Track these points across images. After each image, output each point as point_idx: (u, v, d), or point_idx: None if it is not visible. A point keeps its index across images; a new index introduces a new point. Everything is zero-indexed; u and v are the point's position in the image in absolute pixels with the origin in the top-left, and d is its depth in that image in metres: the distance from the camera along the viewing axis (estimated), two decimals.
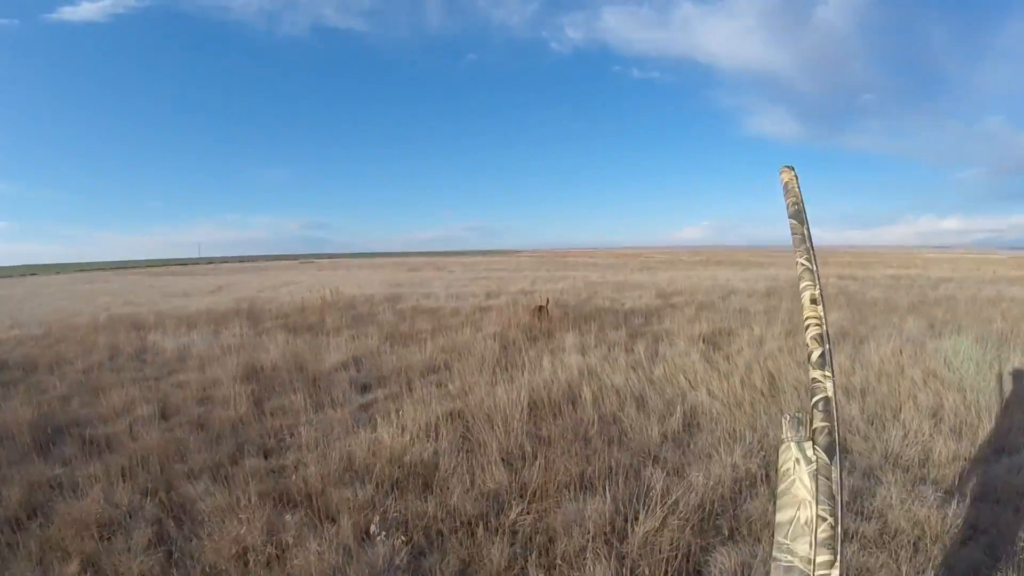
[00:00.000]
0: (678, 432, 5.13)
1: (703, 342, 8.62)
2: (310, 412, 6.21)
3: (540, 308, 11.44)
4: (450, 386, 6.63)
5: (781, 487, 1.15)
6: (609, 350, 8.23)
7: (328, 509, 3.98)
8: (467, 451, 4.80)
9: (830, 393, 1.14)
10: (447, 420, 5.48)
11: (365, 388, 7.21)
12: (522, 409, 5.39)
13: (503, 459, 4.57)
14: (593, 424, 5.26)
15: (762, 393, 6.01)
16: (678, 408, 5.53)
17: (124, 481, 4.60)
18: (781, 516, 1.12)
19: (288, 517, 3.85)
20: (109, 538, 3.81)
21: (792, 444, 1.14)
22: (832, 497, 1.06)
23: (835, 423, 1.12)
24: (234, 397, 6.63)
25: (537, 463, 4.33)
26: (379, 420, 5.48)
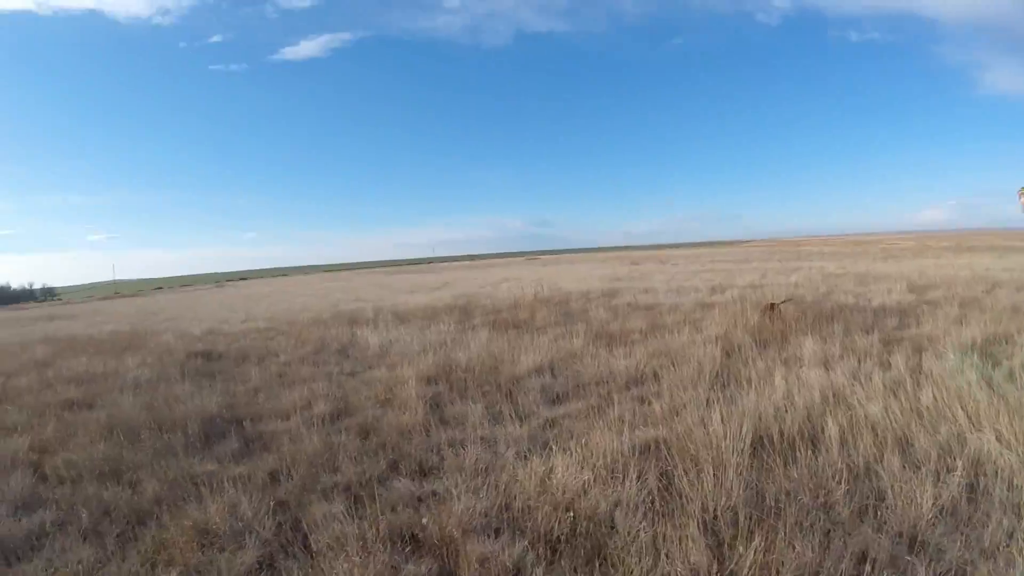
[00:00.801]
0: (956, 500, 3.68)
1: (976, 353, 6.83)
2: (486, 425, 5.67)
3: (772, 306, 10.02)
4: (655, 405, 5.66)
5: None
6: (859, 362, 6.76)
7: (459, 567, 3.31)
8: (660, 506, 3.82)
9: None
10: (643, 454, 4.53)
11: (557, 399, 6.53)
12: (743, 448, 4.27)
13: (707, 526, 3.54)
14: (840, 478, 3.92)
15: None
16: (958, 462, 4.04)
17: (264, 489, 4.45)
18: None
19: (410, 567, 3.25)
20: (217, 551, 3.60)
21: None
22: None
23: None
24: (413, 400, 6.33)
25: (754, 544, 3.19)
26: (559, 446, 4.67)
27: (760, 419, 4.97)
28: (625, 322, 10.95)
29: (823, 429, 4.72)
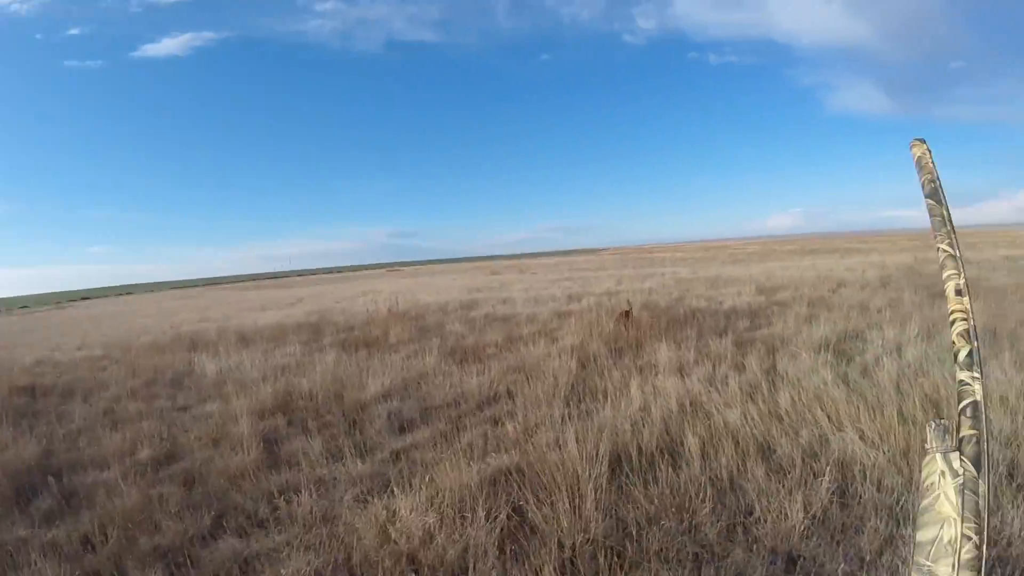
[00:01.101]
0: (827, 507, 3.41)
1: (829, 351, 6.89)
2: (326, 463, 4.96)
3: (626, 313, 9.87)
4: (509, 426, 5.14)
5: (924, 503, 0.99)
6: (714, 367, 6.60)
7: None
8: (515, 547, 3.31)
9: (979, 397, 0.98)
10: (495, 486, 4.00)
11: (405, 427, 5.86)
12: (600, 471, 3.82)
13: (565, 567, 3.06)
14: (703, 495, 3.55)
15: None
16: (825, 466, 3.78)
17: (75, 559, 3.65)
18: (922, 535, 0.96)
19: None
20: None
21: (937, 455, 0.98)
22: (978, 514, 0.93)
23: (984, 431, 0.97)
24: (247, 438, 5.49)
25: None
26: (403, 484, 4.02)
27: (617, 435, 4.57)
28: (481, 335, 10.48)
29: (683, 442, 4.37)
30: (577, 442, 4.23)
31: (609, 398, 5.64)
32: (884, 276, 16.51)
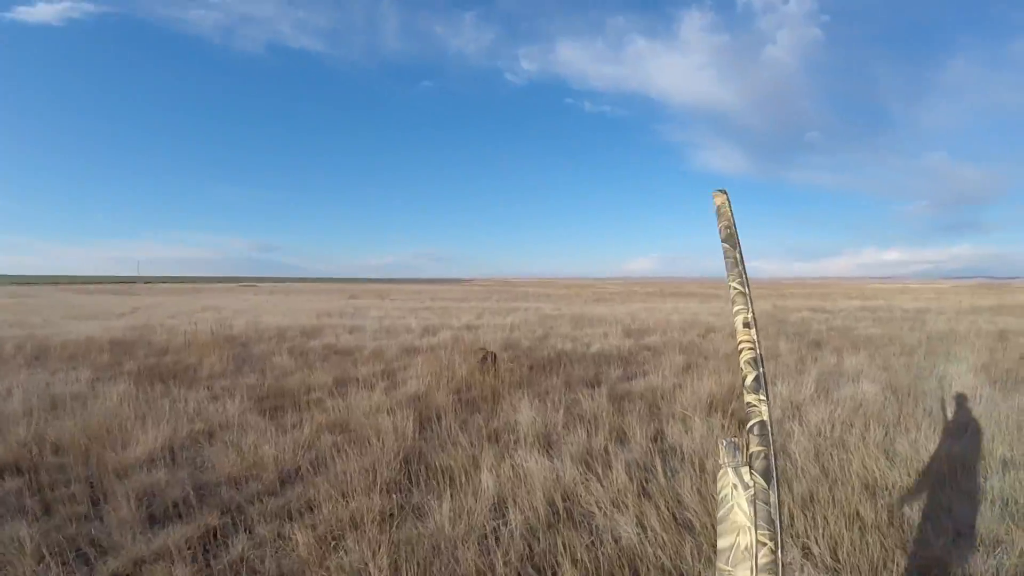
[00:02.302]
0: None
1: (720, 413, 5.76)
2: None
3: (484, 357, 8.40)
4: (299, 536, 3.40)
5: (720, 514, 1.09)
6: (588, 434, 5.18)
7: None
8: None
9: (765, 417, 1.10)
10: None
11: (162, 517, 4.01)
12: None
13: None
14: None
15: (883, 543, 3.10)
16: None
17: None
18: (722, 543, 1.07)
19: None
20: None
21: (729, 470, 1.08)
22: (771, 522, 1.03)
23: (771, 447, 1.08)
24: None
25: None
26: None
27: (457, 564, 3.01)
28: (309, 374, 8.60)
29: None
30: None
31: (451, 484, 4.07)
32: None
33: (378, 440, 4.98)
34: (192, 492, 4.35)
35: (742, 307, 1.26)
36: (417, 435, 5.33)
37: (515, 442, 5.04)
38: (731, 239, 1.34)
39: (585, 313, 21.66)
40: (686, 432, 5.14)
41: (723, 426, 5.26)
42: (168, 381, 8.18)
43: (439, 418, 5.82)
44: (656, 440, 5.08)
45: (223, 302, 33.42)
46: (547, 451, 4.76)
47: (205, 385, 8.08)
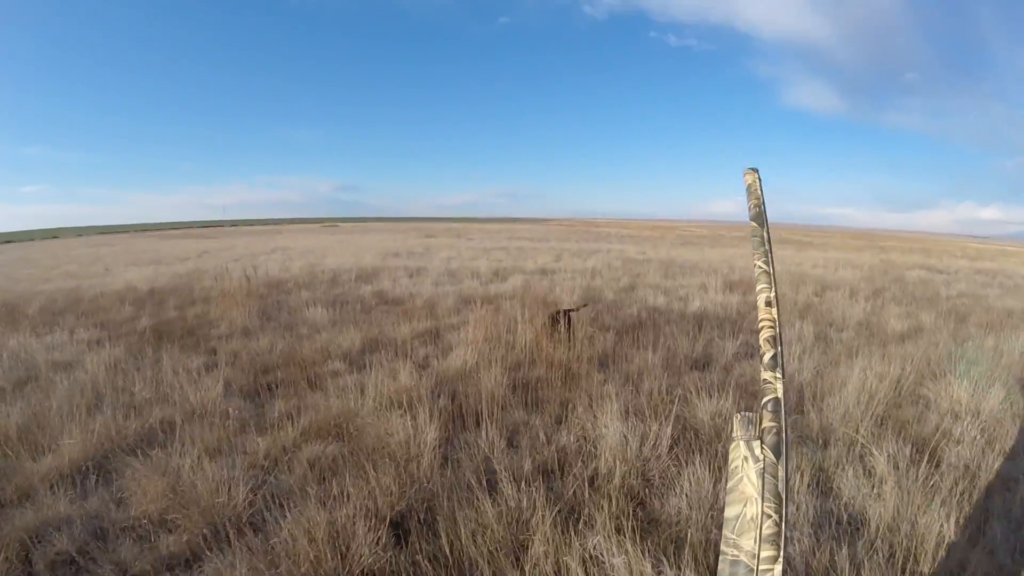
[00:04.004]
0: None
1: (898, 436, 3.73)
2: None
3: (556, 319, 6.43)
4: None
5: (730, 484, 1.09)
6: (714, 479, 3.15)
7: None
8: None
9: (780, 395, 1.10)
10: None
11: None
12: None
13: None
14: None
15: None
16: None
17: None
18: (729, 512, 1.08)
19: None
20: None
21: (741, 443, 1.08)
22: (778, 495, 1.03)
23: (783, 424, 1.08)
24: None
25: None
26: None
27: None
28: (339, 333, 6.90)
29: None
30: None
31: None
32: (867, 280, 13.49)
33: (373, 470, 3.17)
34: (87, 542, 2.77)
35: (765, 286, 1.26)
36: (436, 458, 3.47)
37: (593, 487, 3.12)
38: (759, 218, 1.34)
39: (674, 258, 19.29)
40: (866, 480, 3.13)
41: (927, 478, 3.19)
42: (175, 342, 6.71)
43: (478, 421, 3.96)
44: (819, 491, 3.11)
45: (296, 243, 32.56)
46: (644, 518, 2.83)
47: (211, 348, 6.58)
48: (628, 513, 2.75)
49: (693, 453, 3.31)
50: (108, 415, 4.21)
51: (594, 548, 2.43)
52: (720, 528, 2.71)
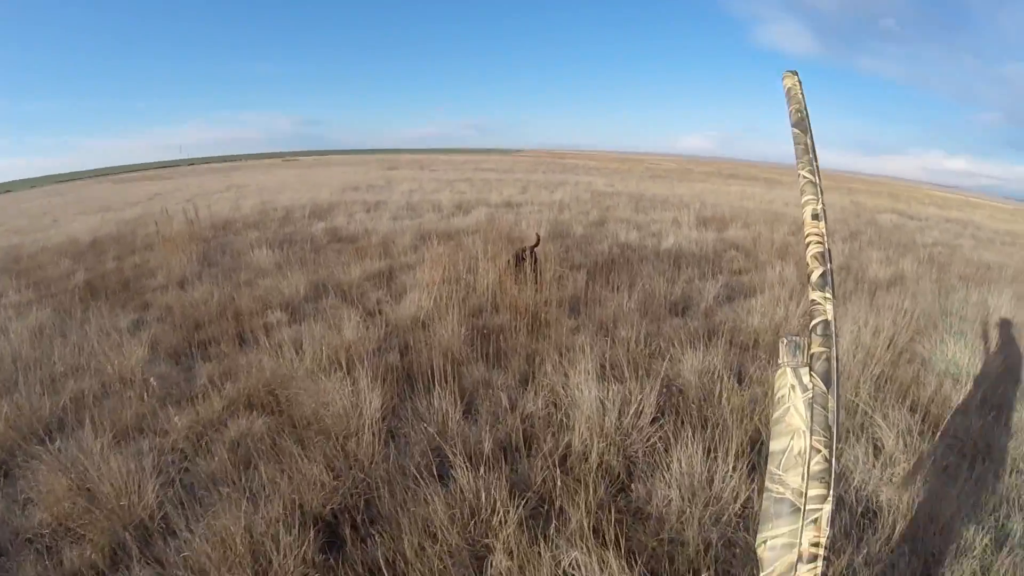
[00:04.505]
0: None
1: (916, 414, 3.30)
2: None
3: (521, 257, 5.84)
4: None
5: (775, 415, 0.97)
6: (709, 457, 2.61)
7: None
8: None
9: (830, 316, 0.97)
10: None
11: None
12: None
13: None
14: None
15: None
16: None
17: None
18: (775, 445, 0.96)
19: None
20: None
21: (788, 370, 0.96)
22: (828, 428, 0.91)
23: (834, 349, 0.95)
24: None
25: None
26: None
27: None
28: (283, 279, 6.25)
29: None
30: None
31: None
32: (842, 221, 13.06)
33: (303, 453, 2.63)
34: None
35: (811, 197, 1.10)
36: (380, 433, 2.93)
37: (565, 468, 2.61)
38: (802, 124, 1.18)
39: (644, 192, 18.67)
40: (875, 460, 2.68)
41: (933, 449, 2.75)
42: (108, 297, 6.05)
43: (431, 382, 3.40)
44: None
45: (253, 179, 31.05)
46: (628, 511, 2.34)
47: (144, 303, 5.94)
48: (608, 506, 2.24)
49: (682, 423, 2.81)
50: (23, 395, 3.60)
51: (570, 566, 1.93)
52: (717, 524, 2.23)
